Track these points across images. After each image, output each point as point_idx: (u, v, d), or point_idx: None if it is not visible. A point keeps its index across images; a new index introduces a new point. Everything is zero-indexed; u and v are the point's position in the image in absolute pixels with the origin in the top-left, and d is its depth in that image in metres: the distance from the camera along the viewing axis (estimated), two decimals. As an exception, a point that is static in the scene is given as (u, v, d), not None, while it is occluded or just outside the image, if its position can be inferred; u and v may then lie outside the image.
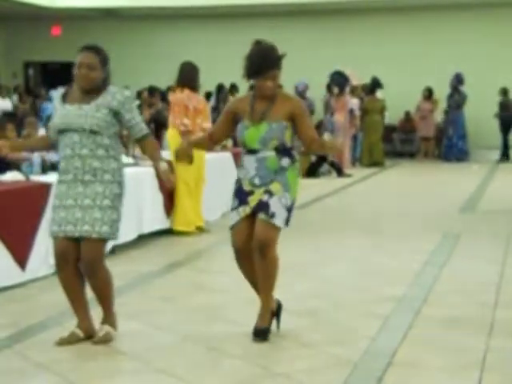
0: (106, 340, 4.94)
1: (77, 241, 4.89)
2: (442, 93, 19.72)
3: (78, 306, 5.04)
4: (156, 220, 8.85)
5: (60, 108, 5.01)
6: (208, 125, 9.23)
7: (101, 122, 4.88)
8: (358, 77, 18.45)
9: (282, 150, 5.05)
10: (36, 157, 7.66)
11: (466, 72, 19.31)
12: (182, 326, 5.39)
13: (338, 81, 17.69)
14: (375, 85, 19.05)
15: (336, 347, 4.88)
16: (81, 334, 5.00)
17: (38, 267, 6.77)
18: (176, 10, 21.79)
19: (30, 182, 7.14)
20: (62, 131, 4.94)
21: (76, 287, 5.00)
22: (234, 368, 4.56)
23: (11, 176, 7.13)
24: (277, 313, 5.19)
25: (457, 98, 19.55)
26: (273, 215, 4.95)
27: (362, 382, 4.35)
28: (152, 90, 16.42)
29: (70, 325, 5.09)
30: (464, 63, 19.91)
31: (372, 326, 5.35)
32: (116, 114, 4.92)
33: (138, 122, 4.98)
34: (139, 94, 18.14)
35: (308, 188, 10.88)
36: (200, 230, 9.21)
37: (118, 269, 6.20)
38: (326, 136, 5.34)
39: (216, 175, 9.70)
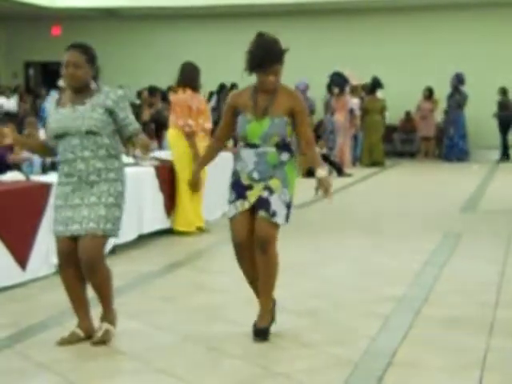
0: (105, 339, 4.92)
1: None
2: (441, 93, 19.73)
3: (79, 305, 5.04)
4: (156, 220, 8.84)
5: (54, 113, 5.00)
6: (209, 125, 9.25)
7: (98, 123, 4.88)
8: (358, 77, 18.45)
9: (282, 146, 5.04)
10: (36, 157, 7.67)
11: (465, 72, 19.32)
12: (182, 326, 5.39)
13: (338, 81, 17.69)
14: (376, 85, 19.05)
15: (336, 347, 4.88)
16: (81, 333, 5.00)
17: (39, 267, 6.77)
18: (176, 9, 21.79)
19: (30, 181, 7.14)
20: (60, 136, 4.92)
21: (78, 287, 5.00)
22: (234, 368, 4.55)
23: (11, 176, 7.14)
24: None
25: (457, 97, 19.55)
26: (274, 214, 4.95)
27: (362, 381, 4.35)
28: (152, 90, 16.44)
29: (71, 325, 5.09)
30: (464, 63, 19.91)
31: (372, 325, 5.35)
32: (111, 113, 4.91)
33: (132, 121, 4.97)
34: (139, 94, 18.15)
35: (308, 188, 10.86)
36: (200, 230, 9.21)
37: (119, 269, 6.20)
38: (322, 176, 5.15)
39: (216, 175, 9.69)
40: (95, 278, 4.91)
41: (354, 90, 18.63)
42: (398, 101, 20.45)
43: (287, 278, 5.76)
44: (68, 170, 4.92)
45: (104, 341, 4.91)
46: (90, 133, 4.87)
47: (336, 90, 17.71)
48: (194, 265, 7.68)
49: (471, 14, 20.86)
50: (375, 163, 18.70)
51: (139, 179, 8.36)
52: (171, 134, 9.23)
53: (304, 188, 10.47)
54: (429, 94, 20.17)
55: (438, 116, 20.47)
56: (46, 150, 5.20)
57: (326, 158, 16.42)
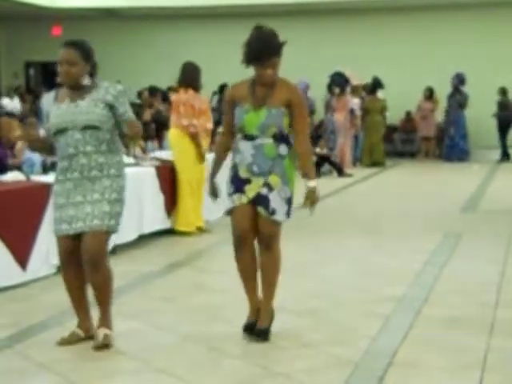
0: (107, 343, 4.87)
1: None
2: (442, 93, 19.72)
3: (80, 305, 5.03)
4: (157, 220, 8.85)
5: (54, 108, 4.99)
6: (210, 125, 9.27)
7: (100, 117, 4.87)
8: (358, 77, 18.45)
9: (280, 138, 5.02)
10: (36, 157, 7.67)
11: (466, 72, 19.31)
12: (182, 326, 5.39)
13: (339, 81, 17.70)
14: (376, 85, 19.04)
15: (336, 347, 4.88)
16: (81, 333, 5.00)
17: (39, 267, 6.77)
18: (176, 9, 21.78)
19: (30, 182, 7.14)
20: (60, 131, 4.91)
21: (79, 287, 5.00)
22: (234, 368, 4.56)
23: (12, 176, 7.14)
24: None
25: (458, 97, 19.54)
26: (273, 212, 4.96)
27: (362, 381, 4.35)
28: (153, 90, 16.42)
29: (71, 325, 5.10)
30: (464, 63, 19.90)
31: (372, 325, 5.35)
32: (111, 108, 4.90)
33: (131, 116, 4.95)
34: (139, 94, 18.13)
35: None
36: (200, 230, 9.22)
37: (119, 269, 6.19)
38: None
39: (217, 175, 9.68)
40: (97, 275, 4.87)
41: (355, 90, 18.62)
42: (399, 101, 20.43)
43: (287, 278, 5.76)
44: (69, 165, 4.89)
45: (106, 344, 4.86)
46: (91, 127, 4.86)
47: (337, 90, 17.71)
48: (195, 265, 7.68)
49: (471, 14, 20.85)
50: (376, 163, 18.69)
51: (140, 179, 8.36)
52: (172, 134, 9.23)
53: (304, 188, 10.46)
54: (429, 93, 20.17)
55: (439, 116, 20.45)
56: (48, 146, 5.20)
57: (326, 159, 16.44)
